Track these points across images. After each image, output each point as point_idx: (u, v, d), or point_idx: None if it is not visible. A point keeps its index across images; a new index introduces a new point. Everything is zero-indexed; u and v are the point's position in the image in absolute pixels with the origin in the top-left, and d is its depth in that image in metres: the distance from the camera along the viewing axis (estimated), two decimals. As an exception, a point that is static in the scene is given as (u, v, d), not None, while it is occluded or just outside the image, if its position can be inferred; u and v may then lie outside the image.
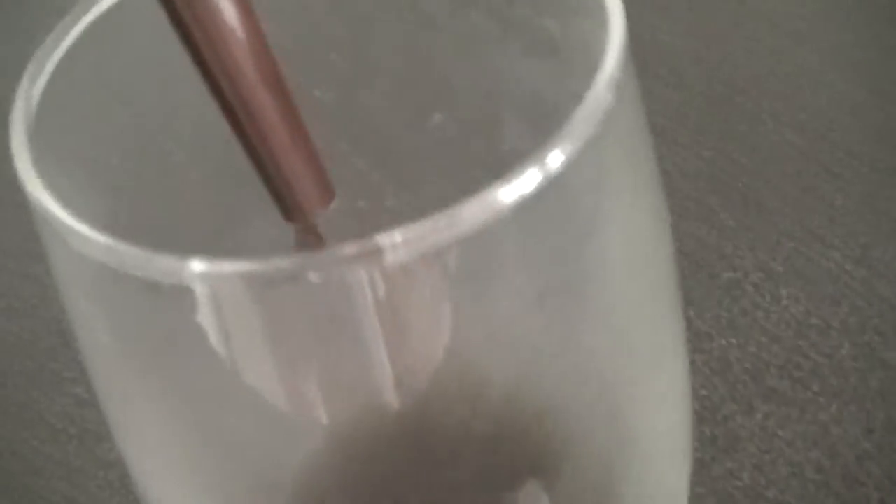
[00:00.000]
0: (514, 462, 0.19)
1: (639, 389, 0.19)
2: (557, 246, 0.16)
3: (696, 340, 0.33)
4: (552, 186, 0.15)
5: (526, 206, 0.15)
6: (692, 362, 0.32)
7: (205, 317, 0.15)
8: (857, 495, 0.30)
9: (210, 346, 0.15)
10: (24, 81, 0.18)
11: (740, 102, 0.39)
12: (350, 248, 0.14)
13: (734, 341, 0.33)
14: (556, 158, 0.16)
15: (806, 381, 0.32)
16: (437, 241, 0.15)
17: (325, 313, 0.15)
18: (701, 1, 0.43)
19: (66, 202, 0.17)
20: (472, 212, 0.15)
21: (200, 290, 0.15)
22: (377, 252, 0.14)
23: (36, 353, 0.35)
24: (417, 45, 0.22)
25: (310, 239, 0.22)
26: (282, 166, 0.19)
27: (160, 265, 0.15)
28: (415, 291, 0.15)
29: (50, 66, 0.18)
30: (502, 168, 0.15)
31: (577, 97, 0.16)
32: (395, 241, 0.14)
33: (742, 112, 0.39)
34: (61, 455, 0.33)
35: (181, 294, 0.15)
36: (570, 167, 0.16)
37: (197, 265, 0.15)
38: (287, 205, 0.20)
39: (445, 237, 0.15)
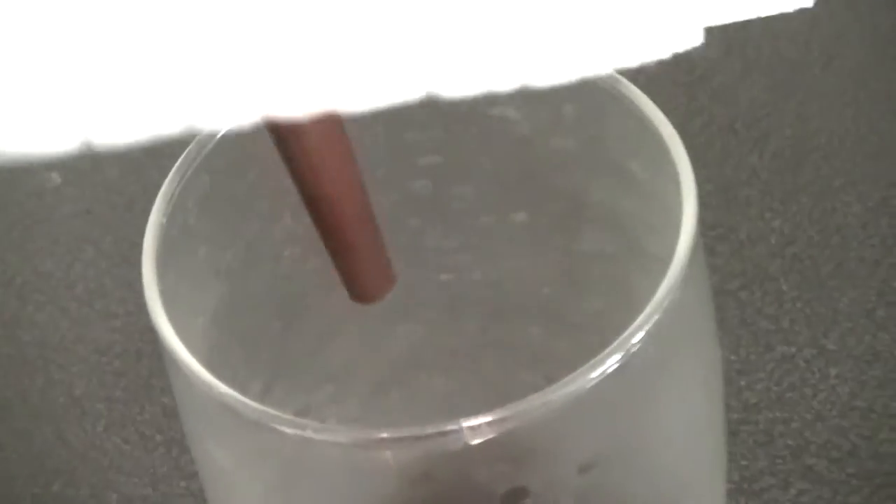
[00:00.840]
0: None
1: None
2: (617, 423, 0.18)
3: (744, 411, 0.35)
4: (626, 370, 0.18)
5: (603, 389, 0.17)
6: (738, 433, 0.35)
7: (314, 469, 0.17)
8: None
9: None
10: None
11: (812, 168, 0.41)
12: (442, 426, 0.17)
13: (780, 415, 0.35)
14: (630, 347, 0.18)
15: (843, 463, 0.34)
16: (514, 427, 0.17)
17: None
18: (784, 61, 0.44)
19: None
20: (555, 396, 0.17)
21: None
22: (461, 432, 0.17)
23: (127, 357, 0.38)
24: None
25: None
26: (351, 259, 0.22)
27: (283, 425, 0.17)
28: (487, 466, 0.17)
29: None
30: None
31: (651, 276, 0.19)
32: (477, 425, 0.17)
33: (813, 179, 0.40)
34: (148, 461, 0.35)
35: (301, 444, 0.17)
36: (639, 355, 0.18)
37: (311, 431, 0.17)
38: (355, 288, 0.22)
39: (528, 420, 0.17)
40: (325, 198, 0.20)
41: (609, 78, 0.21)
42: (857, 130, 0.42)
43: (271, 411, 0.18)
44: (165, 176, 0.22)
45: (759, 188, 0.40)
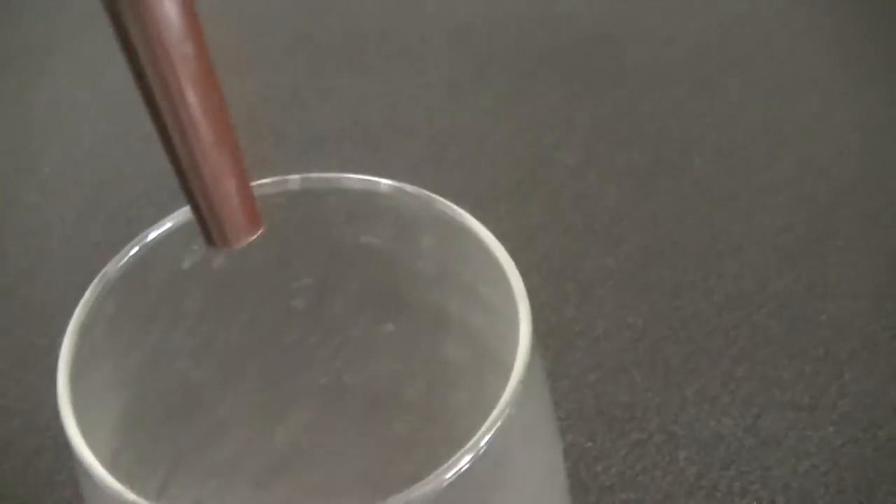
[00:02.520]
0: None
1: None
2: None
3: (599, 493, 0.38)
4: (477, 466, 0.21)
5: (459, 485, 0.21)
6: (594, 513, 0.38)
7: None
8: None
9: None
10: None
11: (662, 268, 0.45)
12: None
13: (633, 496, 0.38)
14: (479, 448, 0.21)
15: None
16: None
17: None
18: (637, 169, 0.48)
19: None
20: (414, 495, 0.20)
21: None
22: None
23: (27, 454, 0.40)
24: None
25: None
26: (214, 187, 0.20)
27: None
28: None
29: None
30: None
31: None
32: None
33: (663, 277, 0.44)
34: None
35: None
36: (488, 452, 0.21)
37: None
38: (212, 229, 0.21)
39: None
40: (177, 93, 0.19)
41: (457, 213, 0.24)
42: (707, 232, 0.46)
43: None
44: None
45: (614, 287, 0.44)
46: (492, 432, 0.21)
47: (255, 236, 0.21)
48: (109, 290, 0.24)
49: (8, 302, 0.45)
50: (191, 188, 0.20)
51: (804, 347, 0.42)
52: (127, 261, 0.25)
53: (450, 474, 0.21)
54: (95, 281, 0.24)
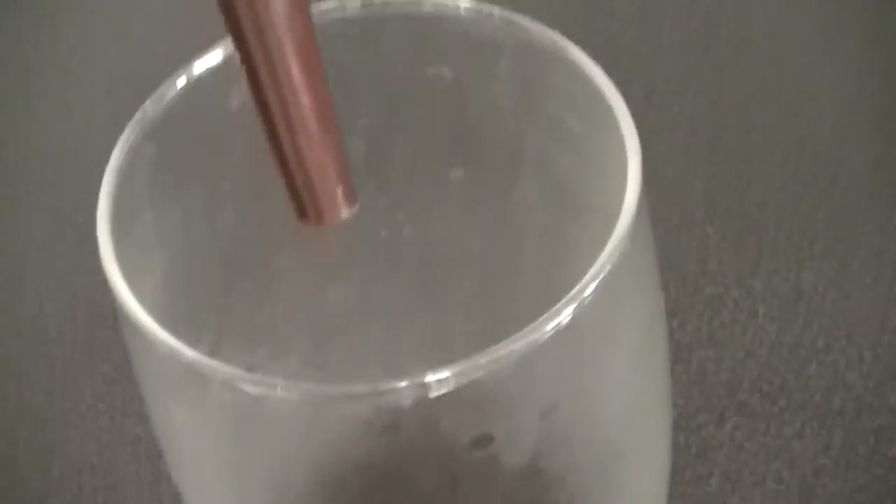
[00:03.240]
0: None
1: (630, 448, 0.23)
2: (574, 369, 0.19)
3: (677, 351, 0.36)
4: (580, 319, 0.18)
5: (559, 339, 0.18)
6: (672, 373, 0.35)
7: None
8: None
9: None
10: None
11: (734, 111, 0.42)
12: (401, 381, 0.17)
13: (711, 354, 0.36)
14: (584, 299, 0.18)
15: (774, 397, 0.35)
16: (479, 377, 0.17)
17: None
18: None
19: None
20: (515, 347, 0.18)
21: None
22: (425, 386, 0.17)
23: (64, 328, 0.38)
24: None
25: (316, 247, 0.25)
26: (315, 165, 0.20)
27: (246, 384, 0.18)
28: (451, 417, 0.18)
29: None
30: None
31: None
32: (443, 377, 0.17)
33: (734, 123, 0.41)
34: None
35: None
36: (592, 304, 0.18)
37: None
38: (307, 205, 0.20)
39: (491, 372, 0.17)
40: (286, 79, 0.19)
41: (549, 36, 0.21)
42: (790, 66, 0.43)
43: (236, 371, 0.18)
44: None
45: (683, 133, 0.41)
46: (598, 279, 0.18)
47: (350, 214, 0.21)
48: (148, 132, 0.22)
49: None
50: (289, 166, 0.20)
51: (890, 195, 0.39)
52: (170, 99, 0.22)
53: (550, 326, 0.18)
54: (132, 120, 0.21)
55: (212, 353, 0.26)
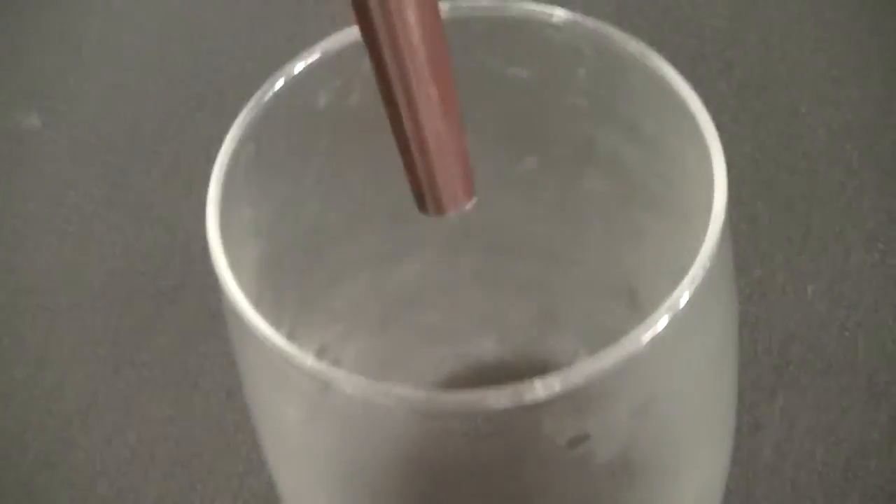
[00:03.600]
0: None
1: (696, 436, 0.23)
2: (663, 371, 0.20)
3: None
4: (673, 326, 0.19)
5: (653, 346, 0.19)
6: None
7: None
8: (859, 485, 0.34)
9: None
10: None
11: (777, 94, 0.42)
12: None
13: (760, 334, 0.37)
14: (679, 305, 0.19)
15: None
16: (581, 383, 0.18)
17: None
18: None
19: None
20: (618, 355, 0.19)
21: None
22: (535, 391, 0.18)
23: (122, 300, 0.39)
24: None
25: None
26: (438, 159, 0.20)
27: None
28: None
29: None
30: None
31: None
32: (550, 384, 0.18)
33: (779, 105, 0.42)
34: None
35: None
36: (684, 312, 0.19)
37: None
38: (428, 197, 0.21)
39: (589, 379, 0.18)
40: (417, 69, 0.19)
41: (627, 41, 0.22)
42: (823, 56, 0.43)
43: (341, 372, 0.19)
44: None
45: (729, 115, 0.42)
46: (692, 288, 0.19)
47: (469, 206, 0.21)
48: (250, 132, 0.22)
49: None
50: (413, 159, 0.20)
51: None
52: (269, 98, 0.23)
53: (647, 334, 0.19)
54: (238, 119, 0.22)
55: (290, 335, 0.27)
